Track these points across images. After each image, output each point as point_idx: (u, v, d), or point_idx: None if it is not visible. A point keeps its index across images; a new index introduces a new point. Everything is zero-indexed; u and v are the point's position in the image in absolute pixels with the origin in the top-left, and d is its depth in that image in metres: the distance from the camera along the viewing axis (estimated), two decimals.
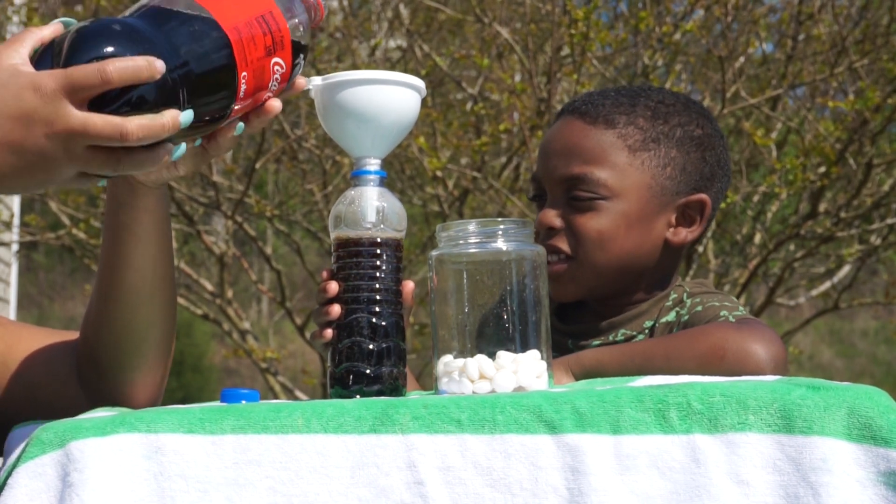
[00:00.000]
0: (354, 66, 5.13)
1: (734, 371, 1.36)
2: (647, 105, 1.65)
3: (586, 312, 1.68)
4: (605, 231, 1.60)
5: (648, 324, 1.63)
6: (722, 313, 1.53)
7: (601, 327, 1.64)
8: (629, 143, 1.62)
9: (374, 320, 1.36)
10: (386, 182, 1.40)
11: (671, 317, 1.61)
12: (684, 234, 1.65)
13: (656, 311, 1.63)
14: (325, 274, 1.41)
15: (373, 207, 1.37)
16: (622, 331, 1.63)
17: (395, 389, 1.36)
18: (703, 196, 1.65)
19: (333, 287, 1.38)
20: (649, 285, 1.65)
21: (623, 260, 1.62)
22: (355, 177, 1.40)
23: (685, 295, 1.62)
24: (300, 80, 1.31)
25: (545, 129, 1.57)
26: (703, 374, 1.37)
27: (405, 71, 5.08)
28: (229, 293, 5.79)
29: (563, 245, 1.62)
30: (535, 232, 1.44)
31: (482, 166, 5.05)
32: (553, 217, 1.62)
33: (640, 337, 1.62)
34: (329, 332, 1.38)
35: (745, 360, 1.38)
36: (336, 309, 1.38)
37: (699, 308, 1.58)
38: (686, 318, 1.58)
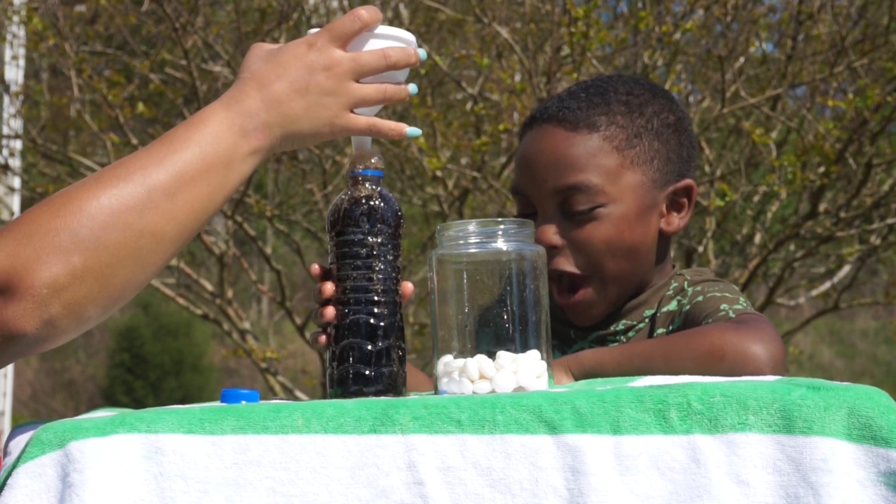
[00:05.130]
0: None
1: (733, 372, 1.36)
2: (619, 100, 1.64)
3: None
4: (611, 238, 1.59)
5: (649, 313, 1.62)
6: (722, 306, 1.52)
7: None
8: (615, 143, 1.61)
9: (372, 321, 1.36)
10: (384, 181, 1.40)
11: (672, 306, 1.61)
12: (676, 222, 1.66)
13: (656, 300, 1.63)
14: (315, 268, 1.40)
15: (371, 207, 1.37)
16: (623, 321, 1.63)
17: (395, 390, 1.35)
18: (689, 181, 1.66)
19: (329, 288, 1.37)
20: (647, 276, 1.65)
21: (631, 261, 1.61)
22: (353, 177, 1.40)
23: (686, 283, 1.62)
24: None
25: None
26: (703, 374, 1.36)
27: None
28: (229, 293, 5.80)
29: (569, 266, 1.60)
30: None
31: (482, 166, 5.05)
32: (552, 234, 1.60)
33: (641, 326, 1.62)
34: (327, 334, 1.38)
35: (744, 360, 1.38)
36: (335, 310, 1.37)
37: (700, 298, 1.57)
38: (687, 307, 1.58)
